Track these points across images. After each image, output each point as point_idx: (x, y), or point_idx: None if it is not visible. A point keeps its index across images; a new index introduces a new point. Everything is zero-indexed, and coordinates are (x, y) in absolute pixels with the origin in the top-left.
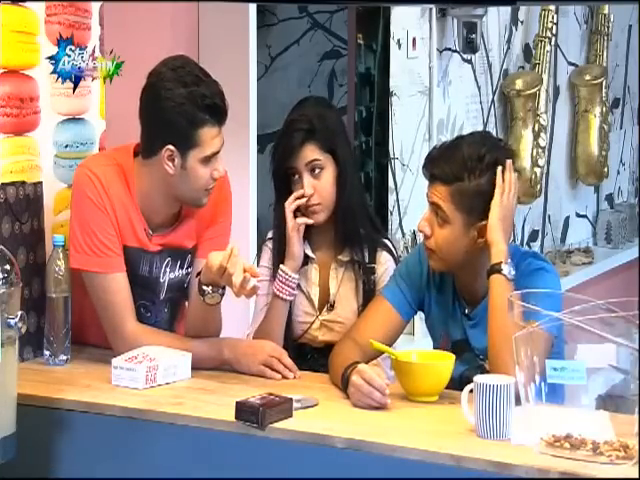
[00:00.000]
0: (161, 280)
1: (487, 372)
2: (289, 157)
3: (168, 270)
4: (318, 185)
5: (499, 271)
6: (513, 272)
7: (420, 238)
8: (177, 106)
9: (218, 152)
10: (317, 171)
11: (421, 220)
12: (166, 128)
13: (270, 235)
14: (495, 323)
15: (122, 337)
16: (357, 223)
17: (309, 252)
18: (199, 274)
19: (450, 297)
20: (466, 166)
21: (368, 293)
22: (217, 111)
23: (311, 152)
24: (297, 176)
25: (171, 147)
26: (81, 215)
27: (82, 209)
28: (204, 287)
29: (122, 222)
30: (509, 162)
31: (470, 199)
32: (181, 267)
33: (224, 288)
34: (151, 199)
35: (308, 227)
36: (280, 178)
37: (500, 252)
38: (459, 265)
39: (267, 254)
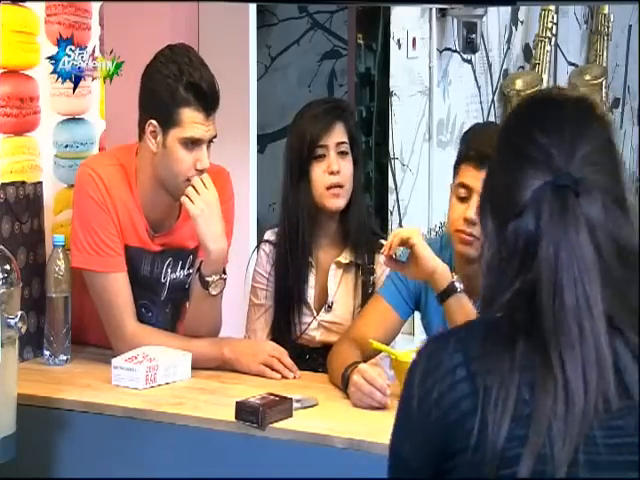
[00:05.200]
0: (162, 280)
1: None
2: (321, 134)
3: (170, 270)
4: (343, 167)
5: (455, 290)
6: (461, 284)
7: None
8: (163, 79)
9: (201, 140)
10: (342, 154)
11: (464, 210)
12: (151, 101)
13: (267, 237)
14: None
15: (122, 337)
16: (362, 220)
17: (310, 258)
18: (199, 269)
19: None
20: None
21: (367, 294)
22: (202, 95)
23: (340, 133)
24: (323, 156)
25: (154, 122)
26: (83, 214)
27: (84, 208)
28: (207, 279)
29: (124, 222)
30: None
31: None
32: (182, 267)
33: (225, 272)
34: (147, 191)
35: (315, 227)
36: (301, 162)
37: (445, 274)
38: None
39: (263, 258)
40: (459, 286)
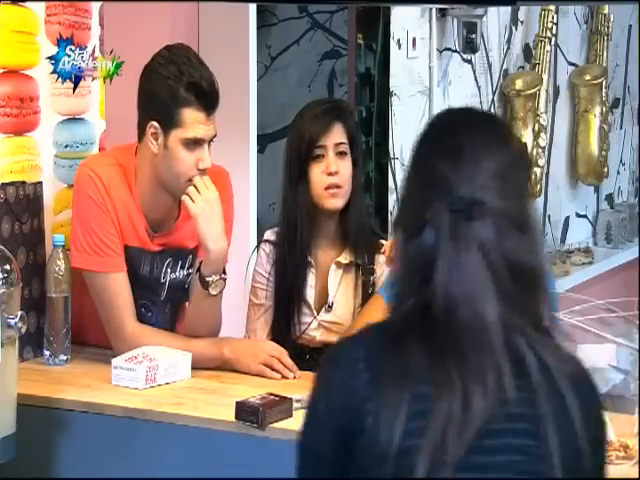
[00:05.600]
0: (162, 280)
1: None
2: (320, 134)
3: (169, 270)
4: (342, 168)
5: None
6: None
7: None
8: (162, 80)
9: (203, 140)
10: (341, 154)
11: None
12: (151, 103)
13: (267, 236)
14: None
15: (122, 337)
16: (362, 221)
17: (309, 258)
18: (199, 269)
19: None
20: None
21: (367, 294)
22: (202, 94)
23: (339, 133)
24: (321, 156)
25: (155, 124)
26: (82, 215)
27: (83, 209)
28: (207, 278)
29: (123, 222)
30: None
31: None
32: (182, 267)
33: (225, 272)
34: (147, 191)
35: (314, 227)
36: (300, 162)
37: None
38: None
39: (263, 258)
40: None
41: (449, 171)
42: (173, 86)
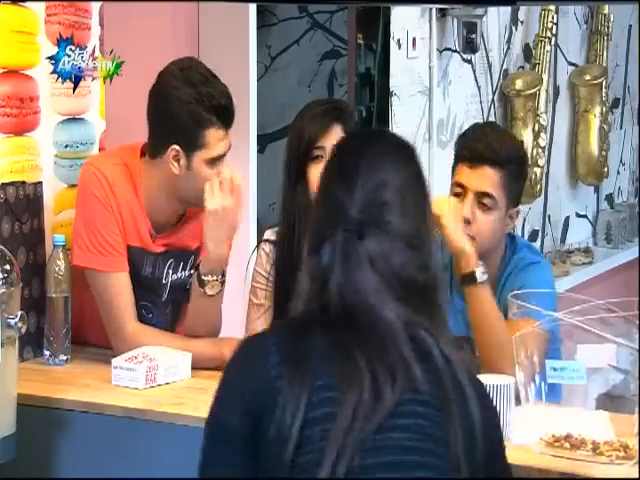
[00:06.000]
0: (163, 281)
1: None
2: (319, 135)
3: (171, 271)
4: None
5: (475, 280)
6: (485, 275)
7: None
8: (183, 105)
9: (224, 155)
10: None
11: (463, 207)
12: (172, 128)
13: (267, 236)
14: (480, 332)
15: (123, 337)
16: None
17: None
18: (197, 267)
19: (447, 291)
20: (512, 150)
21: None
22: (224, 113)
23: (338, 134)
24: (320, 157)
25: (176, 147)
26: (86, 213)
27: (88, 207)
28: (204, 277)
29: (127, 222)
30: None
31: (517, 184)
32: (184, 269)
33: (224, 275)
34: (156, 199)
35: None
36: (298, 162)
37: (470, 258)
38: (485, 252)
39: (263, 258)
40: (480, 277)
41: (344, 194)
42: (195, 110)
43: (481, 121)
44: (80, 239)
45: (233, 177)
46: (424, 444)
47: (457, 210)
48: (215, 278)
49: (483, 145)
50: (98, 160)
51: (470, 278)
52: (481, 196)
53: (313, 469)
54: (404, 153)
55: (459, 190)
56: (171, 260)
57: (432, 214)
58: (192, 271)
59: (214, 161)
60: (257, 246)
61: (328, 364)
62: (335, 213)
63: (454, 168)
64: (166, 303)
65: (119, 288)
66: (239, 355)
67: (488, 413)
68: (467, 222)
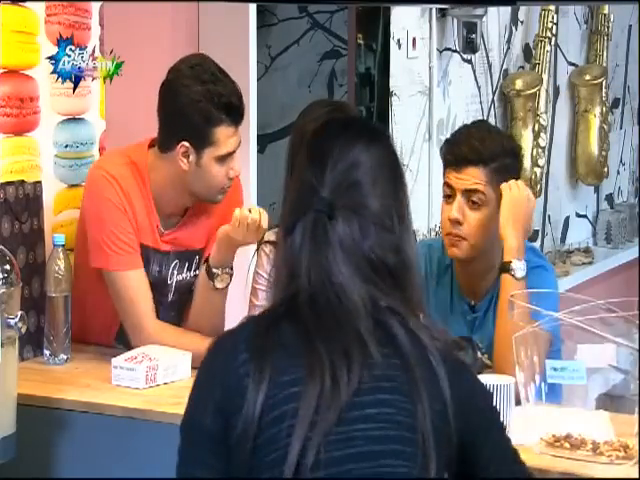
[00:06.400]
0: (169, 282)
1: (486, 366)
2: None
3: (176, 272)
4: None
5: (509, 270)
6: (524, 271)
7: (420, 237)
8: (193, 103)
9: (234, 152)
10: None
11: (449, 210)
12: (182, 125)
13: (267, 237)
14: (502, 323)
15: (143, 335)
16: None
17: None
18: (207, 260)
19: (449, 292)
20: (496, 147)
21: None
22: (233, 110)
23: None
24: None
25: (186, 144)
26: (99, 216)
27: (100, 210)
28: (214, 270)
29: (140, 220)
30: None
31: (507, 178)
32: (189, 269)
33: (232, 268)
34: (165, 191)
35: None
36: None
37: (510, 249)
38: (480, 253)
39: (264, 259)
40: (514, 268)
41: (315, 176)
42: (205, 108)
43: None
44: (95, 242)
45: (262, 219)
46: (391, 432)
47: (446, 212)
48: (225, 271)
49: (465, 147)
50: (106, 162)
51: (505, 267)
52: (469, 194)
53: (280, 466)
54: (377, 137)
55: (449, 192)
56: (176, 260)
57: (406, 196)
58: (197, 272)
59: (224, 158)
60: (257, 249)
61: (295, 357)
62: (306, 194)
63: (444, 174)
64: (172, 303)
65: (137, 285)
66: (211, 354)
67: (468, 385)
68: (457, 223)
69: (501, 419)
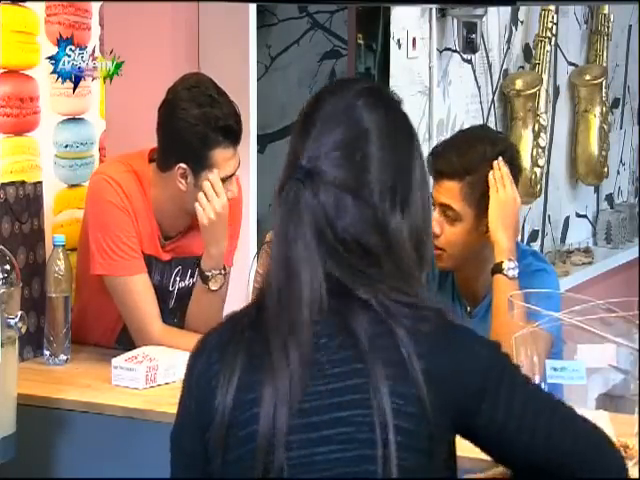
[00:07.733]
0: (170, 289)
1: None
2: None
3: (178, 279)
4: None
5: (501, 271)
6: (516, 271)
7: None
8: (190, 127)
9: (232, 175)
10: None
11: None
12: (180, 147)
13: (269, 238)
14: (497, 323)
15: (149, 339)
16: None
17: None
18: (199, 265)
19: (450, 296)
20: (474, 159)
21: None
22: (231, 132)
23: None
24: None
25: (184, 165)
26: (102, 221)
27: (103, 214)
28: (207, 272)
29: (141, 228)
30: (499, 159)
31: (480, 193)
32: (191, 276)
33: (225, 269)
34: (165, 209)
35: None
36: None
37: (502, 251)
38: (466, 261)
39: (265, 259)
40: (506, 268)
41: (298, 143)
42: (202, 131)
43: (481, 121)
44: (99, 248)
45: (212, 182)
46: (354, 452)
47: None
48: (218, 272)
49: (443, 160)
50: (108, 168)
51: (497, 268)
52: (444, 208)
53: (249, 473)
54: (377, 101)
55: (432, 203)
56: (178, 267)
57: (412, 171)
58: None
59: (222, 181)
60: (258, 252)
61: (256, 358)
62: (290, 162)
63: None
64: (173, 311)
65: (142, 289)
66: (188, 367)
67: (461, 354)
68: (435, 235)
69: (553, 396)
